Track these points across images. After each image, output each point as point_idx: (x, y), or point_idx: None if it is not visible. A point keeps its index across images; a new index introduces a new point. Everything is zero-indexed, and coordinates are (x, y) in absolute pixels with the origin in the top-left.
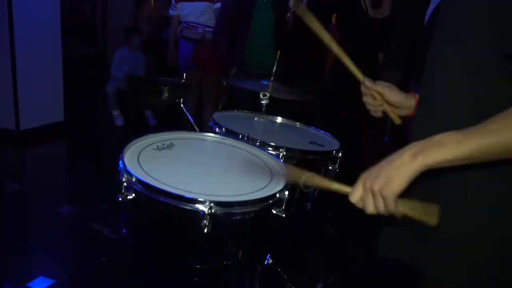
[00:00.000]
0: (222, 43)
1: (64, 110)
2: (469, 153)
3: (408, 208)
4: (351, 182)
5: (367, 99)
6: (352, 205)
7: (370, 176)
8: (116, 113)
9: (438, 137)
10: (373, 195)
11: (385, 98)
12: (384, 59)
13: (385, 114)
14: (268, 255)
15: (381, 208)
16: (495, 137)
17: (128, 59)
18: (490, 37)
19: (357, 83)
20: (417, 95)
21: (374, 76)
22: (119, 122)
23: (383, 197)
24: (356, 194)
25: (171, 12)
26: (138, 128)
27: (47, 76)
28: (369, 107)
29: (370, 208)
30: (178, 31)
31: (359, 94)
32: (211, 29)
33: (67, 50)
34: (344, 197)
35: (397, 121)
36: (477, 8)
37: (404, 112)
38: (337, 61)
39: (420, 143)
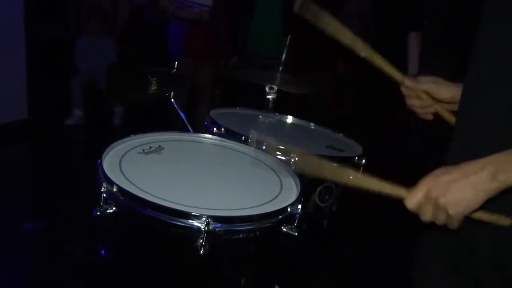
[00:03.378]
0: (221, 25)
1: (28, 106)
2: None
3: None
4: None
5: (412, 102)
6: (377, 224)
7: (437, 186)
8: (77, 112)
9: None
10: (436, 207)
11: (434, 96)
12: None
13: (436, 115)
14: (276, 282)
15: (441, 222)
16: None
17: (93, 48)
18: None
19: (381, 77)
20: None
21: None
22: (71, 121)
23: (449, 216)
24: (414, 200)
25: None
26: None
27: (7, 66)
28: (416, 110)
29: (427, 218)
30: (170, 11)
31: (383, 89)
32: (209, 9)
33: (31, 36)
34: (370, 211)
35: (452, 119)
36: None
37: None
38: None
39: (495, 159)
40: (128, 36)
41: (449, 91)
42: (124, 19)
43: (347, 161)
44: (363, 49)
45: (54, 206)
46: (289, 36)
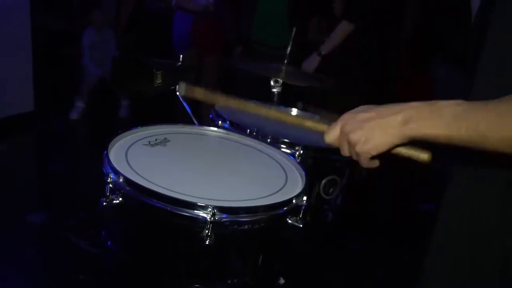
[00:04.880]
0: (226, 16)
1: (34, 99)
2: (466, 134)
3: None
4: (381, 189)
5: None
6: (382, 215)
7: (351, 121)
8: (79, 104)
9: (439, 104)
10: (348, 143)
11: None
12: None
13: None
14: (281, 274)
15: (355, 158)
16: (501, 122)
17: (98, 43)
18: None
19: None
20: None
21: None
22: (74, 115)
23: (356, 153)
24: (331, 135)
25: None
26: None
27: (13, 58)
28: None
29: (344, 153)
30: (174, 2)
31: (392, 79)
32: (213, 0)
33: (37, 27)
34: (374, 204)
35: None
36: None
37: None
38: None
39: (418, 105)
40: (132, 28)
41: None
42: (129, 10)
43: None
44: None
45: (60, 198)
46: (294, 28)
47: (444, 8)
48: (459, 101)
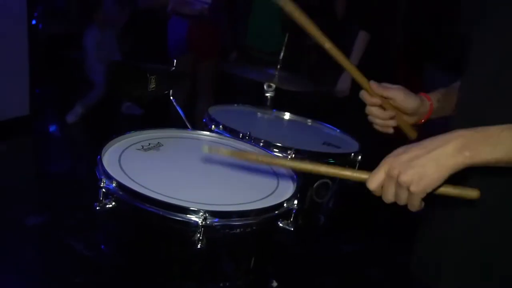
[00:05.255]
0: (221, 21)
1: (30, 102)
2: None
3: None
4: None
5: (373, 111)
6: (374, 218)
7: (398, 163)
8: (78, 109)
9: (493, 130)
10: (398, 186)
11: (399, 106)
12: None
13: (396, 129)
14: (274, 277)
15: (403, 202)
16: None
17: (102, 42)
18: None
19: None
20: (431, 97)
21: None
22: (71, 118)
23: (410, 193)
24: (375, 181)
25: None
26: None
27: (9, 60)
28: (375, 121)
29: (389, 198)
30: (170, 7)
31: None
32: (208, 5)
33: (34, 29)
34: (366, 207)
35: (414, 134)
36: None
37: (415, 120)
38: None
39: (467, 133)
40: (129, 32)
41: (414, 102)
42: (126, 14)
43: (343, 158)
44: (326, 41)
45: (55, 201)
46: (287, 34)
47: (432, 15)
48: (509, 125)
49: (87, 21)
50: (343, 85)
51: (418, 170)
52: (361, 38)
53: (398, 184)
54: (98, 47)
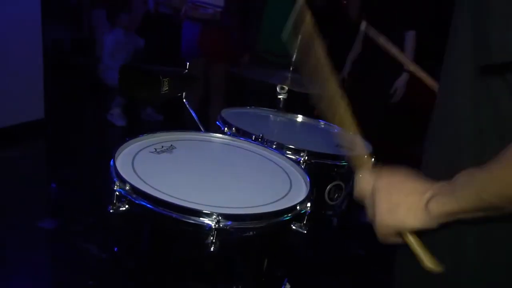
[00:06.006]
0: (233, 25)
1: (44, 106)
2: (473, 203)
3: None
4: None
5: None
6: None
7: (384, 189)
8: (116, 111)
9: (456, 177)
10: (372, 206)
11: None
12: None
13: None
14: (286, 279)
15: (370, 218)
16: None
17: (124, 44)
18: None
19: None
20: None
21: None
22: (120, 122)
23: (373, 221)
24: (363, 185)
25: None
26: (137, 128)
27: (24, 66)
28: None
29: (368, 214)
30: (183, 11)
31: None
32: (221, 9)
33: (48, 36)
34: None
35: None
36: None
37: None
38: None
39: (439, 185)
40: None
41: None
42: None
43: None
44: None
45: (69, 205)
46: (300, 36)
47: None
48: (465, 172)
49: (109, 25)
50: (401, 85)
51: (390, 206)
52: (411, 37)
53: (372, 206)
54: (117, 48)
